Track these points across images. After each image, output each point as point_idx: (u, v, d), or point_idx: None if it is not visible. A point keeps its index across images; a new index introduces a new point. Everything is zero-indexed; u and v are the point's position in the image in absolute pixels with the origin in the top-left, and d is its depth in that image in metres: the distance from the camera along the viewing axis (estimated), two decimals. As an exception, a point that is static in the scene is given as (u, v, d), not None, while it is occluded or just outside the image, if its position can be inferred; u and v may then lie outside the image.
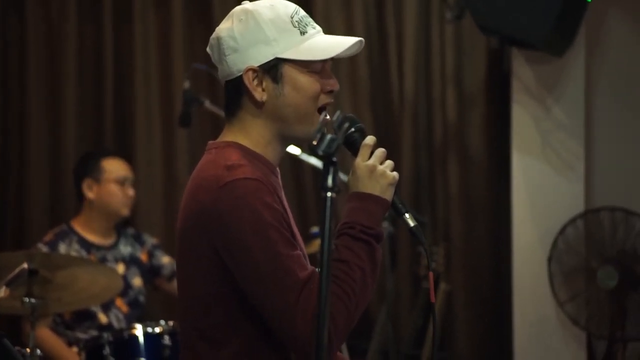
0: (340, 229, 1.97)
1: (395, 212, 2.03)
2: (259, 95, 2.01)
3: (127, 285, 3.95)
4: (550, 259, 4.04)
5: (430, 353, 4.16)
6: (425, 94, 4.66)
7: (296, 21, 2.01)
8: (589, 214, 4.06)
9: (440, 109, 4.62)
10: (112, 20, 4.69)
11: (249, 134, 2.04)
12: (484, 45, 4.54)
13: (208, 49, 2.08)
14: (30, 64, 4.67)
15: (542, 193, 4.23)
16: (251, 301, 1.94)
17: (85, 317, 3.84)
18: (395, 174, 2.00)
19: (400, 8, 4.64)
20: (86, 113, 4.71)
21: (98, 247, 3.97)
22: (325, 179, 1.69)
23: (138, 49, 4.68)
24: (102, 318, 3.86)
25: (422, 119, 4.66)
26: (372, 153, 2.01)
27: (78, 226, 3.99)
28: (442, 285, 4.46)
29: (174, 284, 4.00)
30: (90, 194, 3.98)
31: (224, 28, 2.03)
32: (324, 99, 2.04)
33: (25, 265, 3.02)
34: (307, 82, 2.01)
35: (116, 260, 3.98)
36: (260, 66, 2.00)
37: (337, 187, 1.70)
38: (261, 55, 2.00)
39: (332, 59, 2.04)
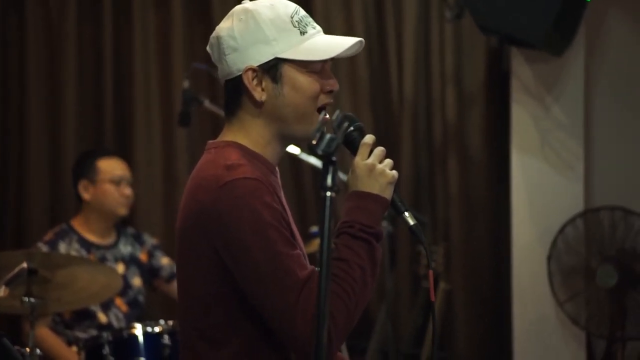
0: (339, 228, 1.97)
1: (394, 211, 2.03)
2: (259, 95, 2.01)
3: (127, 285, 3.95)
4: (549, 258, 4.04)
5: (430, 352, 4.16)
6: (425, 93, 4.66)
7: (296, 21, 2.01)
8: (589, 213, 4.06)
9: (440, 109, 4.62)
10: (112, 20, 4.70)
11: (249, 134, 2.04)
12: (484, 44, 4.54)
13: (208, 48, 2.08)
14: (30, 64, 4.67)
15: (541, 192, 4.23)
16: (251, 301, 1.94)
17: (84, 316, 3.84)
18: (394, 172, 2.00)
19: (400, 8, 4.64)
20: (86, 113, 4.71)
21: (98, 247, 3.97)
22: (325, 179, 1.69)
23: (138, 49, 4.68)
24: (102, 317, 3.86)
25: (422, 118, 4.66)
26: (371, 152, 2.01)
27: (78, 226, 3.99)
28: (442, 285, 4.46)
29: (172, 286, 4.01)
30: (86, 195, 3.98)
31: (224, 27, 2.03)
32: (323, 99, 2.03)
33: (24, 265, 3.02)
34: (306, 82, 2.01)
35: (116, 260, 3.98)
36: (259, 66, 2.00)
37: (336, 186, 1.69)
38: (261, 55, 1.99)
39: (332, 59, 2.04)
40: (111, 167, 4.01)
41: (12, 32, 4.72)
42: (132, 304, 3.97)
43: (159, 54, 4.71)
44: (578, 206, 4.17)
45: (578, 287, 4.02)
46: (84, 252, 3.91)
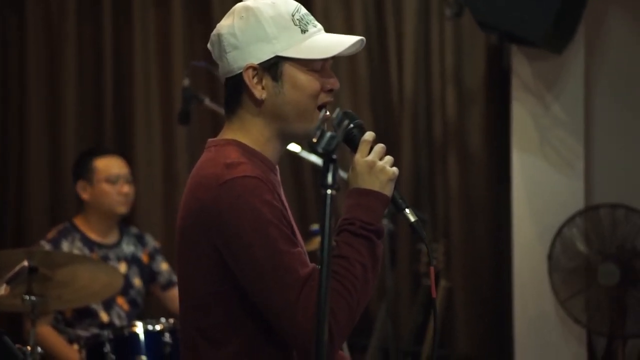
0: (340, 226, 1.97)
1: (395, 208, 2.03)
2: (259, 93, 2.01)
3: (129, 284, 3.95)
4: (550, 257, 4.04)
5: (431, 348, 4.16)
6: (425, 92, 4.66)
7: (297, 19, 2.01)
8: (589, 211, 4.06)
9: (440, 107, 4.62)
10: (112, 20, 4.70)
11: (249, 132, 2.04)
12: (484, 42, 4.54)
13: (209, 46, 2.08)
14: (30, 64, 4.67)
15: (541, 190, 4.24)
16: (252, 299, 1.94)
17: (86, 315, 3.85)
18: (394, 169, 2.00)
19: (400, 6, 4.64)
20: (86, 112, 4.71)
21: (100, 246, 3.97)
22: (325, 177, 1.69)
23: (138, 49, 4.68)
24: (104, 316, 3.86)
25: (422, 117, 4.66)
26: (371, 149, 2.01)
27: (81, 224, 3.99)
28: (442, 283, 4.46)
29: (168, 294, 4.03)
30: (85, 195, 3.99)
31: (225, 25, 2.03)
32: (323, 98, 2.03)
33: (25, 263, 3.03)
34: (306, 81, 2.01)
35: (118, 259, 3.98)
36: (260, 64, 1.99)
37: (336, 184, 1.70)
38: (261, 53, 1.99)
39: (332, 57, 2.04)
40: (107, 166, 4.00)
41: (12, 32, 4.73)
42: (134, 303, 3.97)
43: (158, 53, 4.71)
44: (578, 204, 4.17)
45: (579, 285, 4.02)
46: (86, 251, 3.91)
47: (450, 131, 4.60)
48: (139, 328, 3.42)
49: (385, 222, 4.08)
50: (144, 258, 4.07)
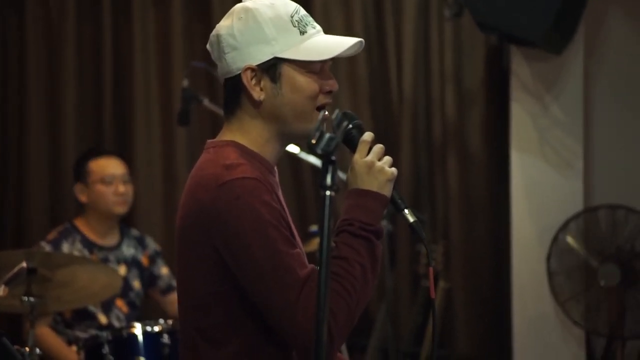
0: (339, 226, 1.97)
1: (394, 208, 2.03)
2: (257, 94, 2.01)
3: (128, 287, 3.95)
4: (549, 257, 4.04)
5: (431, 348, 4.16)
6: (425, 92, 4.66)
7: (296, 20, 2.01)
8: (588, 212, 4.06)
9: (440, 107, 4.62)
10: (112, 20, 4.70)
11: (248, 133, 2.04)
12: (483, 43, 4.54)
13: (208, 46, 2.08)
14: (30, 64, 4.67)
15: (541, 191, 4.24)
16: (252, 299, 1.94)
17: (85, 316, 3.84)
18: (393, 169, 2.00)
19: (399, 6, 4.64)
20: (85, 112, 4.71)
21: (100, 248, 3.97)
22: (324, 178, 1.69)
23: (137, 48, 4.68)
24: (103, 318, 3.86)
25: (422, 117, 4.66)
26: (370, 149, 2.01)
27: (81, 225, 3.99)
28: (441, 283, 4.46)
29: (167, 298, 4.02)
30: (83, 197, 3.99)
31: (224, 26, 2.03)
32: (322, 99, 2.03)
33: (24, 264, 3.02)
34: (305, 82, 2.01)
35: (118, 262, 3.98)
36: (258, 65, 1.99)
37: (336, 185, 1.70)
38: (260, 55, 1.99)
39: (331, 59, 2.03)
40: (101, 167, 4.00)
41: (11, 32, 4.73)
42: (133, 305, 3.97)
43: (158, 53, 4.71)
44: (577, 204, 4.17)
45: (578, 286, 4.02)
46: (86, 253, 3.91)
47: (450, 131, 4.60)
48: (138, 329, 3.41)
49: (384, 222, 4.08)
50: (144, 261, 4.06)
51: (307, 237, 4.18)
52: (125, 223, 4.17)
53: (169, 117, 4.63)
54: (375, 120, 4.68)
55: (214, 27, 2.08)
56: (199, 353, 2.00)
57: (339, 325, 1.89)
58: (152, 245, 4.11)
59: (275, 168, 2.10)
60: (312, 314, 1.84)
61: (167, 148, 4.68)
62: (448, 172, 4.58)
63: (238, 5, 2.05)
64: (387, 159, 2.01)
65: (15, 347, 2.79)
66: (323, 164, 1.70)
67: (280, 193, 2.06)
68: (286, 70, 2.00)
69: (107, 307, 3.88)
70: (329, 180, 1.69)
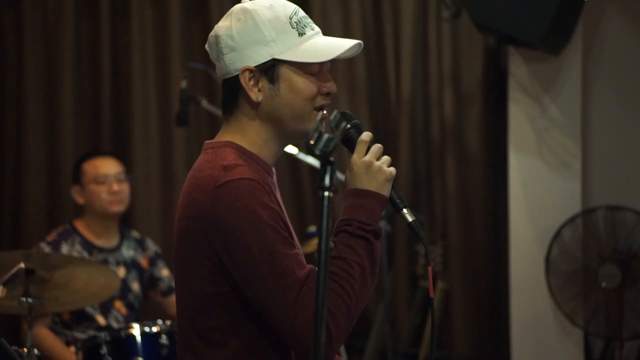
0: (338, 226, 1.97)
1: (393, 208, 2.03)
2: (255, 95, 2.01)
3: (127, 289, 3.95)
4: (547, 258, 4.05)
5: (429, 348, 4.16)
6: (423, 92, 4.66)
7: (295, 22, 2.01)
8: (587, 213, 4.06)
9: (438, 108, 4.62)
10: (109, 17, 4.70)
11: (246, 134, 2.04)
12: (481, 43, 4.54)
13: (207, 47, 2.08)
14: (27, 63, 4.67)
15: (539, 191, 4.24)
16: (251, 300, 1.94)
17: (83, 318, 3.84)
18: (392, 169, 2.00)
19: (397, 7, 4.64)
20: (83, 112, 4.71)
21: (100, 249, 3.96)
22: (323, 179, 1.69)
23: (135, 46, 4.68)
24: (101, 320, 3.86)
25: (420, 117, 4.66)
26: (368, 149, 2.01)
27: (81, 227, 3.99)
28: (440, 284, 4.46)
29: (168, 300, 4.02)
30: (80, 199, 4.00)
31: (223, 26, 2.03)
32: (320, 101, 2.03)
33: (22, 265, 3.02)
34: (303, 84, 2.01)
35: (117, 263, 3.97)
36: (257, 66, 2.00)
37: (334, 186, 1.70)
38: (258, 56, 1.99)
39: (330, 60, 2.03)
40: (94, 167, 4.00)
41: (9, 31, 4.72)
42: (131, 307, 3.97)
43: (156, 50, 4.71)
44: (575, 204, 4.17)
45: (576, 287, 4.02)
46: (85, 254, 3.91)
47: (448, 132, 4.60)
48: (136, 330, 3.41)
49: (382, 223, 4.08)
50: (144, 263, 4.06)
51: (305, 237, 4.18)
52: (125, 225, 4.17)
53: (167, 117, 4.63)
54: (373, 121, 4.68)
55: (211, 26, 2.08)
56: (198, 354, 2.01)
57: (339, 326, 1.89)
58: (153, 247, 4.11)
59: (274, 169, 2.10)
60: (311, 314, 1.84)
61: (165, 148, 4.68)
62: (446, 173, 4.58)
63: (237, 6, 2.05)
64: (386, 158, 2.01)
65: (14, 347, 2.78)
66: (321, 164, 1.70)
67: (278, 194, 2.06)
68: (284, 72, 2.00)
69: (105, 308, 3.87)
70: (327, 181, 1.69)
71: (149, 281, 4.06)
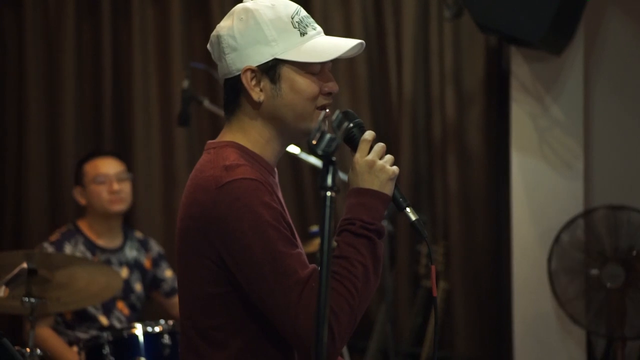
0: (340, 226, 1.97)
1: (396, 207, 2.03)
2: (257, 95, 2.01)
3: (129, 289, 3.95)
4: (550, 258, 4.04)
5: (432, 346, 4.16)
6: (424, 92, 4.66)
7: (296, 22, 2.01)
8: (589, 213, 4.06)
9: (439, 108, 4.62)
10: (110, 17, 4.70)
11: (248, 134, 2.04)
12: (483, 43, 4.54)
13: (208, 46, 2.08)
14: (29, 64, 4.67)
15: (541, 191, 4.23)
16: (253, 300, 1.94)
17: (85, 318, 3.84)
18: (395, 168, 2.00)
19: (399, 7, 4.64)
20: (84, 111, 4.72)
21: (103, 250, 3.96)
22: (325, 179, 1.69)
23: (136, 46, 4.68)
24: (103, 321, 3.86)
25: (421, 117, 4.66)
26: (371, 148, 2.01)
27: (84, 227, 3.99)
28: (441, 284, 4.46)
29: (171, 301, 4.02)
30: (82, 200, 4.01)
31: (225, 26, 2.03)
32: (322, 101, 2.03)
33: (24, 265, 3.03)
34: (305, 84, 2.01)
35: (120, 264, 3.97)
36: (258, 66, 1.99)
37: (336, 186, 1.70)
38: (260, 56, 1.99)
39: (331, 60, 2.03)
40: (94, 167, 4.00)
41: (10, 32, 4.73)
42: (133, 307, 3.97)
43: (157, 51, 4.71)
44: (577, 204, 4.17)
45: (578, 286, 4.02)
46: (88, 254, 3.91)
47: (450, 132, 4.59)
48: (138, 330, 3.42)
49: (384, 223, 4.08)
50: (147, 263, 4.06)
51: (307, 237, 4.18)
52: (129, 225, 4.17)
53: (169, 117, 4.63)
54: (374, 121, 4.68)
55: (213, 25, 2.08)
56: (200, 354, 2.00)
57: (341, 326, 1.89)
58: (156, 248, 4.11)
59: (276, 169, 2.10)
60: (314, 314, 1.84)
61: (167, 148, 4.68)
62: (448, 173, 4.58)
63: (239, 6, 2.05)
64: (389, 157, 2.01)
65: (16, 348, 2.79)
66: (323, 164, 1.70)
67: (280, 194, 2.06)
68: (286, 72, 2.00)
69: (107, 309, 3.87)
70: (329, 180, 1.69)
71: (152, 282, 4.06)
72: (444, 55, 4.60)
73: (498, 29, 3.99)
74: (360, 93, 4.68)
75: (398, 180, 2.02)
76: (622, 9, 4.34)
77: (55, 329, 3.84)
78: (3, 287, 2.96)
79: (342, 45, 2.02)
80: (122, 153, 4.39)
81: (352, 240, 1.94)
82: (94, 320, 3.84)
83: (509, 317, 4.35)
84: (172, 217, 4.47)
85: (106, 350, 3.35)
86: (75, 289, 3.32)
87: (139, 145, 4.66)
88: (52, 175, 4.66)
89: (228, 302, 1.97)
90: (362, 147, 2.00)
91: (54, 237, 3.94)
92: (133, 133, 4.67)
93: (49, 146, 4.67)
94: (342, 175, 3.24)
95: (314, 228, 4.28)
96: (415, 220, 2.00)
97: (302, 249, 2.00)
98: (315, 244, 3.94)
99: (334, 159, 1.70)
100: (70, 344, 3.79)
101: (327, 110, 2.02)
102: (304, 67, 2.00)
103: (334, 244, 1.94)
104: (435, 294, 2.06)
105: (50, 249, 3.84)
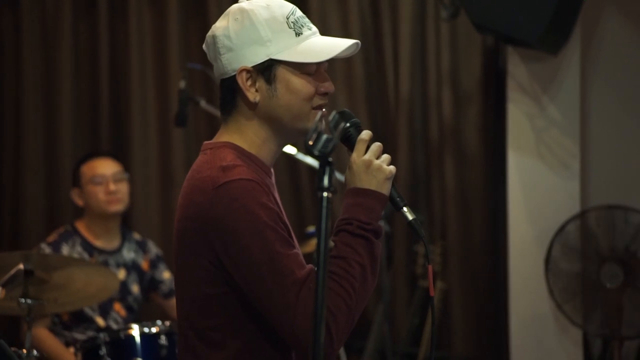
0: (338, 226, 1.97)
1: (393, 206, 2.02)
2: (252, 95, 2.01)
3: (126, 291, 3.95)
4: (547, 259, 4.04)
5: (429, 346, 4.17)
6: (421, 92, 4.66)
7: (292, 22, 2.01)
8: (586, 213, 4.06)
9: (436, 107, 4.62)
10: (107, 17, 4.70)
11: (244, 134, 2.04)
12: (480, 43, 4.54)
13: (204, 47, 2.08)
14: (26, 64, 4.67)
15: (538, 191, 4.24)
16: (250, 301, 1.94)
17: (82, 320, 3.84)
18: (392, 167, 2.00)
19: (396, 7, 4.64)
20: (82, 112, 4.72)
21: (101, 251, 3.96)
22: (321, 179, 1.69)
23: (133, 46, 4.68)
24: (100, 322, 3.85)
25: (418, 117, 4.66)
26: (368, 147, 2.00)
27: (82, 228, 3.99)
28: (439, 284, 4.46)
29: (169, 302, 4.01)
30: (80, 201, 4.01)
31: (220, 27, 2.03)
32: (317, 101, 2.03)
33: (21, 266, 3.02)
34: (300, 84, 2.01)
35: (118, 266, 3.97)
36: (254, 67, 1.99)
37: (333, 186, 1.69)
38: (255, 56, 1.99)
39: (327, 60, 2.03)
40: (91, 168, 4.00)
41: (7, 32, 4.73)
42: (130, 309, 3.96)
43: (154, 51, 4.72)
44: (574, 204, 4.17)
45: (576, 287, 4.02)
46: (86, 256, 3.91)
47: (447, 132, 4.59)
48: (135, 331, 3.41)
49: (381, 223, 4.07)
50: (144, 265, 4.05)
51: (304, 238, 4.18)
52: (127, 227, 4.17)
53: (166, 117, 4.63)
54: (371, 120, 4.68)
55: (210, 26, 2.07)
56: (198, 355, 2.00)
57: (339, 326, 1.89)
58: (154, 249, 4.10)
59: (272, 169, 2.10)
60: (311, 314, 1.83)
61: (164, 149, 4.68)
62: (445, 173, 4.58)
63: (234, 6, 2.05)
64: (386, 157, 2.01)
65: (13, 349, 2.78)
66: (320, 165, 1.70)
67: (277, 194, 2.06)
68: (281, 72, 2.00)
69: (104, 310, 3.87)
70: (326, 181, 1.69)
71: (150, 284, 4.05)
72: (441, 55, 4.61)
73: (496, 29, 3.99)
74: (357, 93, 4.68)
75: (395, 179, 2.01)
76: (618, 9, 4.35)
77: (52, 330, 3.83)
78: (0, 288, 2.96)
79: (337, 45, 2.02)
80: (119, 153, 4.39)
81: (349, 240, 1.94)
82: (90, 321, 3.84)
83: (506, 317, 4.35)
84: (170, 217, 4.47)
85: (103, 351, 3.35)
86: (72, 290, 3.32)
87: (136, 145, 4.66)
88: (49, 175, 4.66)
89: (225, 302, 1.97)
90: (359, 146, 2.00)
91: (52, 238, 3.93)
92: (130, 133, 4.67)
93: (46, 146, 4.67)
94: (339, 176, 3.24)
95: (311, 228, 4.28)
96: (413, 220, 2.00)
97: (299, 250, 2.00)
98: (312, 245, 3.94)
99: (330, 159, 1.70)
100: (67, 344, 3.79)
101: (324, 110, 2.02)
102: (300, 68, 2.00)
103: (331, 244, 1.94)
104: (432, 293, 2.06)
105: (47, 249, 3.84)
